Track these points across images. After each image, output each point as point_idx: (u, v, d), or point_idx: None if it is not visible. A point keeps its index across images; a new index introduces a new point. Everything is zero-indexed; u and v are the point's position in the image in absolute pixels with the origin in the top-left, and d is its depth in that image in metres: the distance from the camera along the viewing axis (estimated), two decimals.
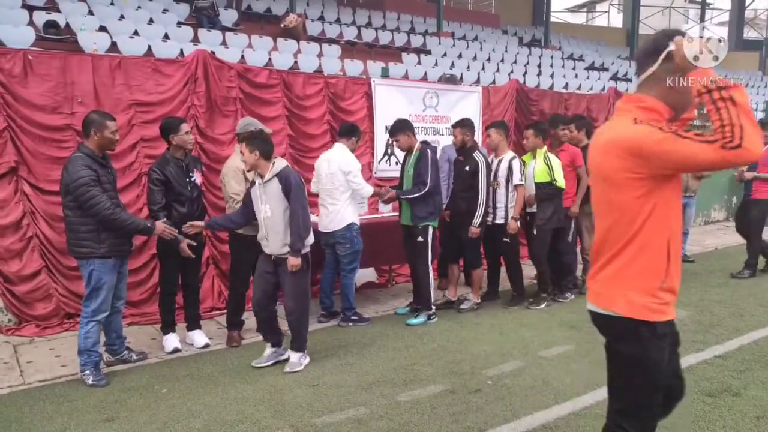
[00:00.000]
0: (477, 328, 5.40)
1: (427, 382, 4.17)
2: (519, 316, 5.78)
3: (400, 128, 5.50)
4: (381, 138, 7.22)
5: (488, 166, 5.72)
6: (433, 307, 5.52)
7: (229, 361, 4.62)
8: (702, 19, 25.78)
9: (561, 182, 5.84)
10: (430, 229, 5.45)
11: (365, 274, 6.68)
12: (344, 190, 5.35)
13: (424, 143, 5.55)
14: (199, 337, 4.93)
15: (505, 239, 5.87)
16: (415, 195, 5.37)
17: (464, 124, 5.77)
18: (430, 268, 5.49)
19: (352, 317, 5.53)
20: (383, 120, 7.18)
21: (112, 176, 4.29)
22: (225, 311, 5.29)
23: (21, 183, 5.22)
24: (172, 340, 4.80)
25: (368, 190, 5.59)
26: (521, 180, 5.75)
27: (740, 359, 4.57)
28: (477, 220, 5.63)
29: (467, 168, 5.68)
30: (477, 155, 5.68)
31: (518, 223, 5.83)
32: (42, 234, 5.29)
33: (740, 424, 3.53)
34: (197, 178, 4.78)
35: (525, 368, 4.40)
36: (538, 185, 5.87)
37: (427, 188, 5.33)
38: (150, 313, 5.53)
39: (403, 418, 3.62)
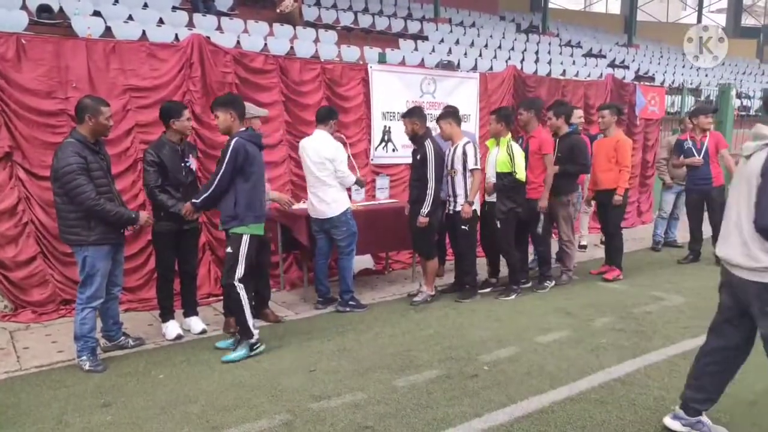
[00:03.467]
0: (473, 315, 5.41)
1: (423, 367, 4.18)
2: (515, 303, 5.80)
3: (223, 103, 4.39)
4: (378, 124, 7.19)
5: (437, 153, 5.47)
6: (255, 334, 4.43)
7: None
8: (700, 6, 25.71)
9: (521, 174, 5.70)
10: (245, 239, 4.33)
11: (362, 261, 6.69)
12: (332, 175, 5.34)
13: (244, 132, 4.36)
14: (195, 324, 4.92)
15: (463, 227, 5.68)
16: (203, 197, 4.35)
17: (412, 114, 5.57)
18: (242, 289, 4.33)
19: (350, 302, 5.53)
20: (380, 106, 7.15)
21: (106, 162, 4.25)
22: (221, 297, 5.28)
23: (16, 168, 5.19)
24: (173, 328, 4.79)
25: (351, 179, 5.50)
26: (476, 164, 5.58)
27: None
28: (425, 209, 5.41)
29: (418, 156, 5.52)
30: (427, 143, 5.48)
31: (474, 208, 5.64)
32: (37, 220, 5.26)
33: (734, 408, 3.55)
34: (192, 163, 4.76)
35: (521, 354, 4.42)
36: (498, 174, 5.72)
37: (212, 187, 4.28)
38: (147, 299, 5.53)
39: (400, 402, 3.64)
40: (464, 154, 5.60)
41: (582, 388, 3.83)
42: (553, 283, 6.26)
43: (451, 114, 5.79)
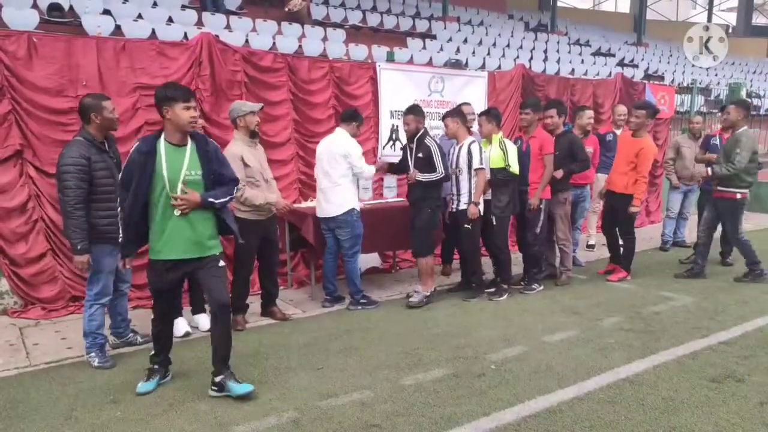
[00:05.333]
0: (481, 314, 5.41)
1: (430, 366, 4.18)
2: (522, 301, 5.79)
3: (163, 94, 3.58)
4: (386, 123, 7.18)
5: (442, 150, 5.53)
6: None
7: (234, 344, 4.60)
8: (710, 4, 25.55)
9: (515, 167, 5.70)
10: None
11: (369, 260, 6.69)
12: (344, 173, 5.32)
13: (155, 133, 3.68)
14: (204, 321, 4.93)
15: (466, 225, 5.65)
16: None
17: (416, 111, 5.58)
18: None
19: (361, 300, 5.55)
20: (388, 105, 7.15)
21: (115, 160, 4.26)
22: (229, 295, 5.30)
23: (26, 166, 5.22)
24: (181, 325, 4.81)
25: (369, 171, 5.51)
26: (481, 164, 5.56)
27: (744, 345, 4.57)
28: (422, 176, 5.43)
29: (420, 155, 5.49)
30: (428, 140, 5.52)
31: (479, 208, 5.62)
32: (47, 217, 5.30)
33: (743, 409, 3.53)
34: None
35: (528, 353, 4.41)
36: (493, 171, 5.70)
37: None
38: None
39: (407, 401, 3.64)
40: (469, 153, 5.57)
41: (590, 388, 3.82)
42: (542, 287, 6.14)
43: (457, 113, 5.78)
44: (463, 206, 5.66)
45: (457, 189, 5.70)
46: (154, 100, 3.57)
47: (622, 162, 6.40)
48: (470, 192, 5.63)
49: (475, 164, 5.56)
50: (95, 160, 4.03)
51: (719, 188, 6.34)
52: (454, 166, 5.68)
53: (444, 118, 5.80)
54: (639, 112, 6.36)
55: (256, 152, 4.95)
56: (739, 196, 6.28)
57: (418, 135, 5.55)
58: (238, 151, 4.77)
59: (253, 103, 5.14)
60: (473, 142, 5.63)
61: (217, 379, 3.67)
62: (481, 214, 5.70)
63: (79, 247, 4.01)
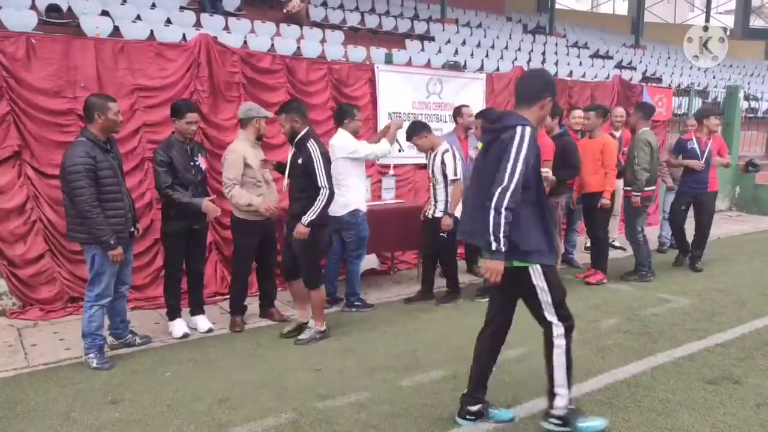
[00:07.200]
0: (479, 316, 5.36)
1: (429, 367, 4.19)
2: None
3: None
4: (384, 124, 7.17)
5: (325, 155, 4.58)
6: None
7: (232, 345, 4.64)
8: (708, 7, 25.60)
9: None
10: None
11: (368, 261, 6.67)
12: (348, 175, 5.30)
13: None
14: (202, 322, 4.94)
15: (441, 233, 5.50)
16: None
17: (290, 109, 4.58)
18: None
19: (356, 303, 5.55)
20: (387, 107, 7.16)
21: (117, 161, 4.27)
22: (227, 296, 5.30)
23: (24, 167, 5.22)
24: (180, 326, 4.81)
25: (381, 148, 5.45)
26: (455, 174, 5.42)
27: (741, 347, 4.59)
28: (308, 217, 4.45)
29: (300, 161, 4.53)
30: (310, 144, 4.51)
31: (457, 215, 5.43)
32: (45, 218, 5.30)
33: (740, 411, 3.55)
34: (201, 162, 4.78)
35: (527, 354, 4.41)
36: None
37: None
38: (154, 297, 5.55)
39: (405, 402, 3.64)
40: (443, 163, 5.46)
41: (587, 390, 3.83)
42: None
43: (420, 127, 5.61)
44: (438, 214, 5.56)
45: (434, 196, 5.63)
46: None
47: (590, 164, 6.39)
48: (446, 200, 5.54)
49: (450, 175, 5.45)
50: (100, 159, 4.03)
51: (625, 188, 6.58)
52: (430, 175, 5.64)
53: (409, 139, 5.64)
54: (589, 113, 6.50)
55: (258, 154, 4.96)
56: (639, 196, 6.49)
57: (298, 137, 4.58)
58: (242, 149, 4.76)
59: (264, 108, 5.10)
60: (446, 150, 5.49)
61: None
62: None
63: (112, 242, 4.04)
